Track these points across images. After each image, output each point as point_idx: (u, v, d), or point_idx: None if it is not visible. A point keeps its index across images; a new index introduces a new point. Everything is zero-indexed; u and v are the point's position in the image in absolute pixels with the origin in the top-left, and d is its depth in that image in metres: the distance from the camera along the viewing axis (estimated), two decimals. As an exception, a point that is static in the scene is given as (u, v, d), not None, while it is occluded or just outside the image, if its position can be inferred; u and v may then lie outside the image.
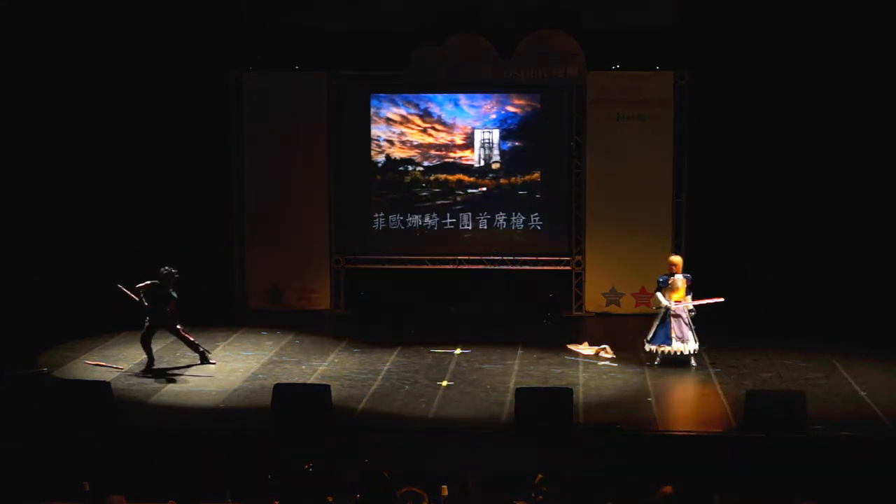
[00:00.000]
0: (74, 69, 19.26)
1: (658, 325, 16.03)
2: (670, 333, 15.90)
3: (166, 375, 15.67)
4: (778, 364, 16.16)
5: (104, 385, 14.01)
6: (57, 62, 19.20)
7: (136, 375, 15.65)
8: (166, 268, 15.88)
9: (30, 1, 18.94)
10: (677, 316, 15.92)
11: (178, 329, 16.00)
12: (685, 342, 15.90)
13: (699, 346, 16.04)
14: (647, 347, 16.11)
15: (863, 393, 14.76)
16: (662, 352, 15.98)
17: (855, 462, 12.51)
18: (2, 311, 17.97)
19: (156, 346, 16.17)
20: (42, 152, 19.39)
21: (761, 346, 16.97)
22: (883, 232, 18.84)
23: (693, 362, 15.99)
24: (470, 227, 19.84)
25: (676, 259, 16.30)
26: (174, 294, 15.86)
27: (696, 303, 16.05)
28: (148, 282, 15.82)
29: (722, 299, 16.12)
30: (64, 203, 19.51)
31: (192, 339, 16.09)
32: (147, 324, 15.87)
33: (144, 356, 15.94)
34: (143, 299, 15.82)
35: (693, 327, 15.97)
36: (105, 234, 19.46)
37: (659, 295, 16.04)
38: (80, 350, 16.90)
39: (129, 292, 15.96)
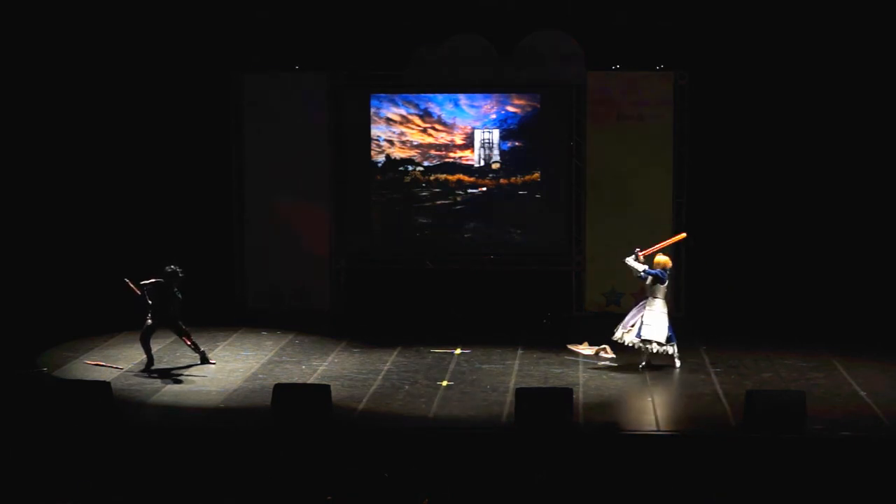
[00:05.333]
0: (76, 70, 19.27)
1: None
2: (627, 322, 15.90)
3: (166, 375, 15.66)
4: (778, 364, 16.15)
5: (104, 385, 14.01)
6: (59, 63, 19.21)
7: (136, 375, 15.64)
8: (171, 266, 15.84)
9: (31, 2, 18.95)
10: (638, 307, 15.88)
11: (181, 328, 15.98)
12: (625, 330, 15.76)
13: (653, 347, 15.74)
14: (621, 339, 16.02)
15: (863, 393, 14.76)
16: (624, 343, 15.89)
17: (855, 462, 12.50)
18: (2, 311, 17.97)
19: (155, 346, 16.16)
20: (43, 153, 19.40)
21: (761, 346, 16.97)
22: (883, 232, 18.85)
23: (677, 363, 15.82)
24: (470, 227, 19.84)
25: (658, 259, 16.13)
26: (178, 293, 15.83)
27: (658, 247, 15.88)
28: (153, 279, 15.80)
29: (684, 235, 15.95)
30: (65, 203, 19.52)
31: (192, 339, 16.05)
32: (149, 322, 15.85)
33: (144, 357, 15.91)
34: (147, 296, 15.80)
35: (648, 324, 15.67)
36: (106, 234, 19.46)
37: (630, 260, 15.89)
38: (80, 350, 16.89)
39: (133, 286, 15.95)
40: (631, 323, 15.85)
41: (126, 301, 16.22)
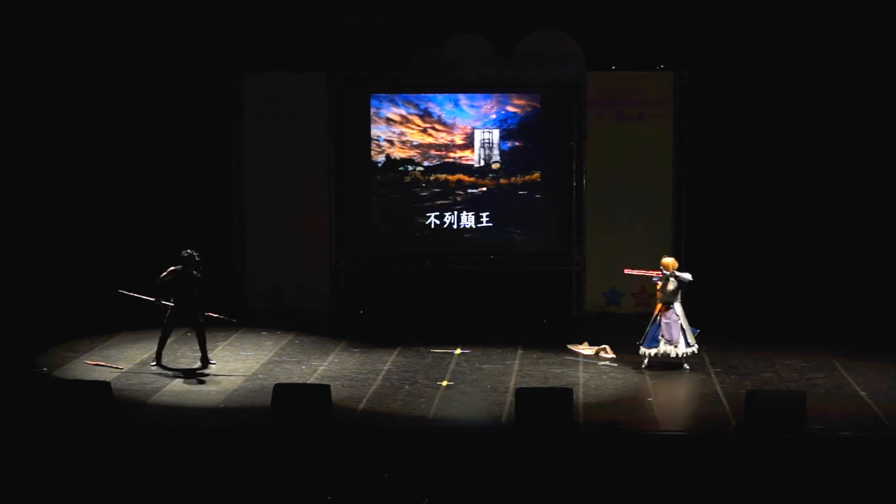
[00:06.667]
0: (76, 71, 19.26)
1: (648, 328, 15.94)
2: (658, 336, 15.82)
3: (166, 375, 15.65)
4: (778, 364, 16.16)
5: (104, 385, 14.01)
6: (59, 64, 19.20)
7: (138, 372, 15.64)
8: (187, 251, 15.79)
9: (31, 3, 18.95)
10: (667, 318, 15.82)
11: (198, 321, 15.87)
12: (674, 345, 15.80)
13: (694, 349, 15.89)
14: (641, 350, 16.02)
15: (863, 393, 14.77)
16: (649, 354, 15.89)
17: (855, 462, 12.50)
18: (2, 311, 17.97)
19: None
20: (43, 153, 19.39)
21: (761, 346, 16.97)
22: (883, 232, 18.85)
23: (686, 365, 15.90)
24: (470, 227, 19.84)
25: (667, 261, 16.13)
26: (198, 274, 15.75)
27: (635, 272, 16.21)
28: (171, 268, 15.75)
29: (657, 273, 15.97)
30: (65, 204, 19.51)
31: (203, 336, 15.97)
32: (170, 311, 15.75)
33: (144, 356, 15.92)
34: (160, 299, 15.74)
35: (687, 330, 15.82)
36: (105, 234, 19.46)
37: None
38: (80, 350, 16.89)
39: (135, 294, 15.91)
40: (675, 334, 15.74)
41: (125, 302, 16.22)
